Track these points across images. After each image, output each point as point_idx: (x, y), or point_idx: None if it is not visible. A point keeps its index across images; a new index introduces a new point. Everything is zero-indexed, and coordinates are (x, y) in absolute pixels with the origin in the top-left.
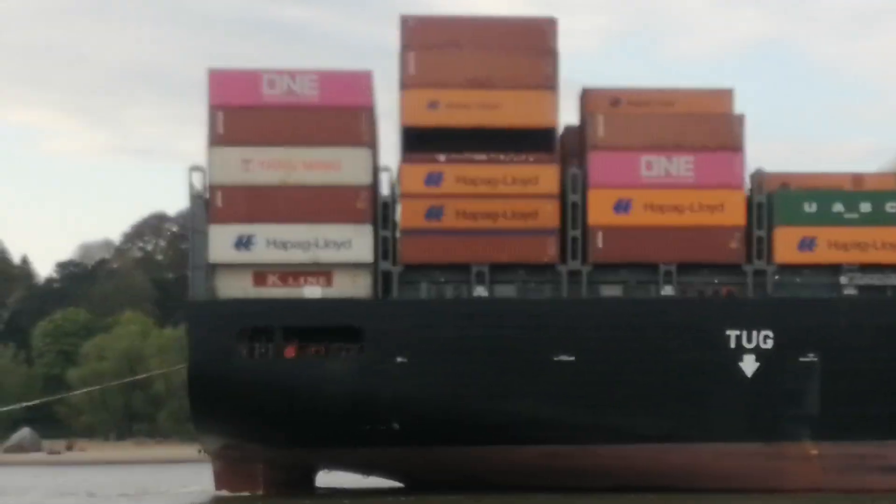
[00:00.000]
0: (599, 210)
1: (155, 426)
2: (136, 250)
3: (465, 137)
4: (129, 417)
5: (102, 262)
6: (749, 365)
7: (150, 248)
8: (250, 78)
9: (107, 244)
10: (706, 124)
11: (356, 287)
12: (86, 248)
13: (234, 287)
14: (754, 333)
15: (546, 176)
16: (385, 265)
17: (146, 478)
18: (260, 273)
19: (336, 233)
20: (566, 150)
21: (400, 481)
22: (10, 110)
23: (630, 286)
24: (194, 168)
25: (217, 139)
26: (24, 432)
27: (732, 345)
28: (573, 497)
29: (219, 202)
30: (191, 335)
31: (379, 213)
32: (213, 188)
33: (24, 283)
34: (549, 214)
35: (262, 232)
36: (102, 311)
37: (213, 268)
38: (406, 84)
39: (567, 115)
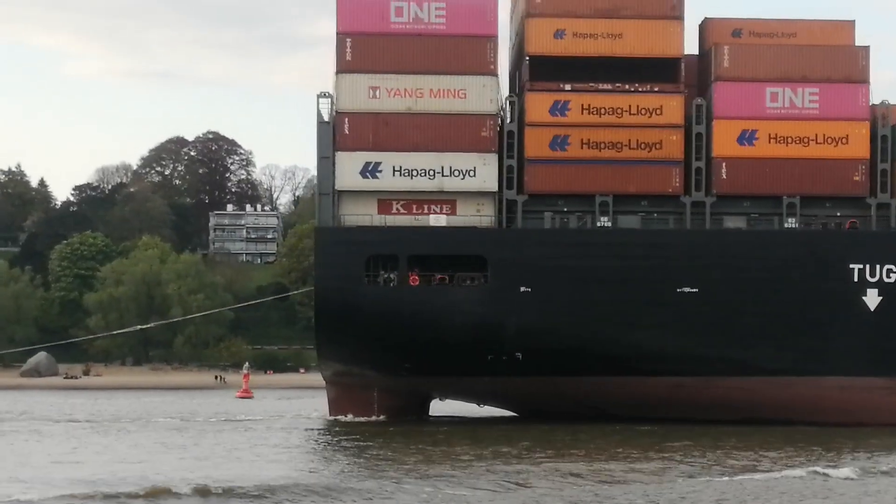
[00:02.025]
0: (724, 141)
1: (171, 352)
2: (154, 174)
3: (590, 67)
4: (146, 343)
5: (120, 185)
6: (872, 298)
7: (168, 172)
8: (378, 5)
9: (125, 168)
10: (831, 56)
11: (480, 216)
12: (104, 172)
13: (359, 214)
14: (877, 267)
15: (671, 106)
16: (510, 194)
17: (190, 403)
18: (385, 201)
19: (461, 161)
20: (688, 80)
21: (514, 411)
22: (31, 33)
23: (753, 218)
24: (322, 94)
25: (344, 66)
26: (40, 356)
27: (855, 278)
28: (692, 428)
29: (346, 129)
30: (317, 261)
31: (504, 142)
32: (339, 115)
33: (41, 207)
34: (673, 145)
35: (389, 159)
36: (120, 236)
37: (339, 195)
38: (531, 13)
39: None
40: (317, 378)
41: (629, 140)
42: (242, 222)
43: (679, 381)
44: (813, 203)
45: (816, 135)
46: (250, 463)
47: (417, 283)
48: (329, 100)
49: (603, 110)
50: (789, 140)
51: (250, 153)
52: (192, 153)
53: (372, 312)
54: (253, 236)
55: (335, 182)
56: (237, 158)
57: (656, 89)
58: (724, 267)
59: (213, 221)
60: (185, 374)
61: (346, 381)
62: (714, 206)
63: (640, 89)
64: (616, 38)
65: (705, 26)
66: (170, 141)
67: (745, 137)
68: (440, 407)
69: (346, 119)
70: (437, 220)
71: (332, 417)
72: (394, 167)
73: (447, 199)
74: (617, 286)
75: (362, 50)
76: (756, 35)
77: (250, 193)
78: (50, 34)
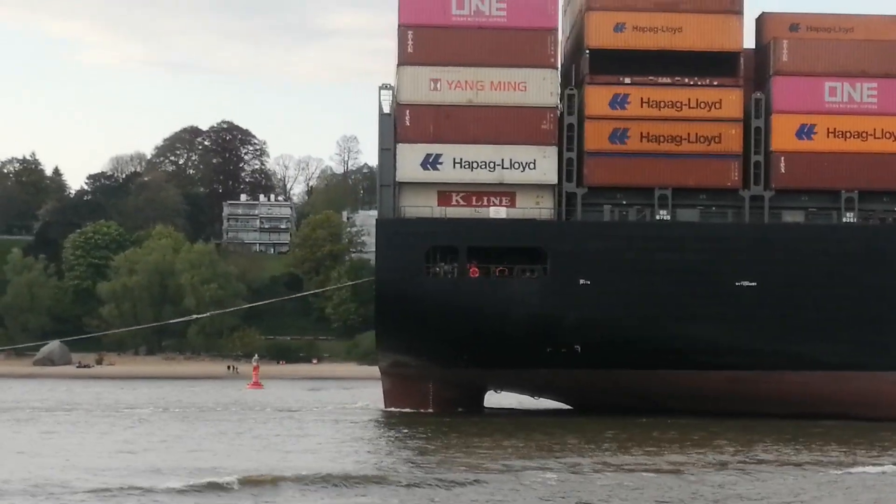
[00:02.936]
0: (782, 135)
1: (184, 342)
2: (168, 164)
3: (649, 60)
4: (159, 332)
5: (134, 175)
6: None
7: (182, 161)
8: None
9: (139, 157)
10: (889, 51)
11: (539, 208)
12: (118, 161)
13: (419, 206)
14: None
15: (730, 100)
16: (569, 187)
17: (216, 393)
18: (445, 192)
19: (521, 153)
20: (745, 74)
21: (568, 403)
22: (47, 22)
23: (811, 212)
24: (383, 86)
25: (406, 58)
26: (53, 345)
27: None
28: (747, 422)
29: (407, 121)
30: (378, 253)
31: (564, 135)
32: (401, 107)
33: (55, 195)
34: (732, 139)
35: (449, 151)
36: (133, 225)
37: (400, 186)
38: (592, 6)
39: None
40: (330, 368)
41: (688, 134)
42: (256, 212)
43: (736, 374)
44: (871, 198)
45: (875, 129)
46: (337, 454)
47: (477, 274)
48: (390, 91)
49: (662, 104)
50: (847, 135)
51: (264, 143)
52: (207, 143)
53: (431, 304)
54: (266, 226)
55: (396, 174)
56: (251, 148)
57: (715, 83)
58: (782, 261)
59: (226, 211)
60: (198, 364)
61: (401, 372)
62: (772, 201)
63: (699, 83)
64: (675, 32)
65: (762, 20)
66: (184, 130)
67: (804, 132)
68: (494, 400)
69: (408, 111)
70: (498, 212)
71: (386, 409)
72: (454, 159)
73: (507, 192)
74: (675, 279)
75: (424, 42)
76: (813, 30)
77: (264, 183)
78: (66, 22)
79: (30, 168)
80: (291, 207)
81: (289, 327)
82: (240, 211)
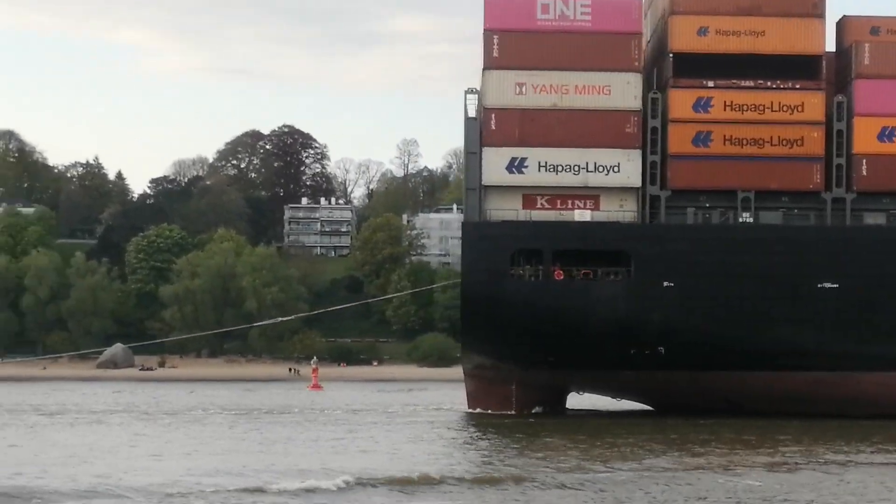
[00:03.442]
0: (864, 138)
1: (246, 344)
2: (230, 168)
3: (732, 64)
4: (221, 335)
5: (196, 178)
6: None
7: (243, 165)
8: (525, 2)
9: (201, 161)
10: None
11: (623, 211)
12: (180, 165)
13: (505, 209)
14: None
15: (812, 103)
16: (653, 189)
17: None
18: (530, 196)
19: (606, 157)
20: (827, 77)
21: (649, 405)
22: (111, 29)
23: (893, 214)
24: (469, 91)
25: (491, 62)
26: (116, 348)
27: None
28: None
29: (492, 125)
30: (464, 255)
31: (647, 138)
32: (486, 111)
33: (118, 199)
34: (814, 141)
35: (534, 155)
36: (195, 228)
37: (485, 189)
38: (676, 10)
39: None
40: (390, 370)
41: (770, 137)
42: (317, 215)
43: (818, 376)
44: None
45: None
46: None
47: (561, 277)
48: (475, 96)
49: (745, 107)
50: None
51: (325, 147)
52: (268, 146)
53: (516, 306)
54: (327, 229)
55: (482, 177)
56: (312, 152)
57: (797, 86)
58: (865, 263)
59: (287, 214)
60: (260, 367)
61: (485, 374)
62: (854, 203)
63: (781, 86)
64: (758, 36)
65: (843, 24)
66: (246, 134)
67: (886, 134)
68: (576, 401)
69: (493, 115)
70: (582, 215)
71: (470, 410)
72: (539, 162)
73: (591, 195)
74: (758, 281)
75: (509, 47)
76: (893, 33)
77: (325, 187)
78: (130, 30)
79: (93, 172)
80: (352, 210)
81: (349, 330)
82: (301, 214)
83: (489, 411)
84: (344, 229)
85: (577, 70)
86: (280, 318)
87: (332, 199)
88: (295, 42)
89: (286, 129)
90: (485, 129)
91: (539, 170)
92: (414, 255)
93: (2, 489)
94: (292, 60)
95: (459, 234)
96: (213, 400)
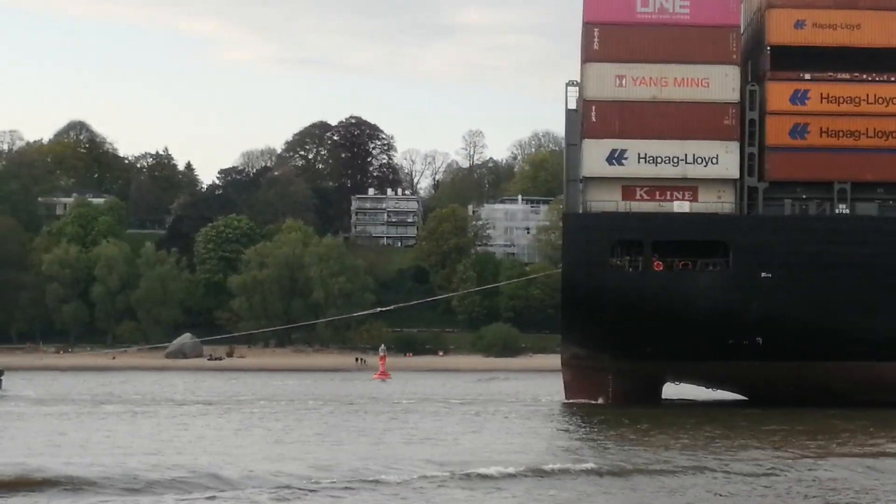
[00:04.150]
0: None
1: (313, 334)
2: (297, 158)
3: (828, 56)
4: (289, 325)
5: (264, 169)
6: None
7: (311, 156)
8: None
9: (269, 152)
10: None
11: (721, 202)
12: (248, 156)
13: (604, 200)
14: None
15: None
16: (750, 181)
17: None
18: (629, 187)
19: (704, 148)
20: None
21: (745, 395)
22: (181, 21)
23: None
24: (570, 83)
25: (592, 55)
26: (185, 338)
27: None
28: None
29: (593, 117)
30: (565, 246)
31: (745, 130)
32: (587, 103)
33: (187, 190)
34: None
35: (634, 147)
36: (264, 219)
37: (586, 181)
38: (773, 3)
39: None
40: (455, 360)
41: (867, 129)
42: (383, 206)
43: None
44: None
45: None
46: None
47: (661, 268)
48: (576, 88)
49: (841, 99)
50: None
51: (392, 138)
52: (335, 138)
53: (616, 297)
54: (394, 220)
55: (582, 169)
56: (379, 143)
57: (893, 79)
58: None
59: (354, 205)
60: (327, 357)
61: (581, 364)
62: None
63: (877, 79)
64: (854, 29)
65: None
66: (313, 125)
67: None
68: (671, 391)
69: (593, 107)
70: (681, 206)
71: (567, 400)
72: (639, 154)
73: (689, 186)
74: (855, 272)
75: (609, 39)
76: None
77: (391, 177)
78: (200, 21)
79: (162, 163)
80: (418, 201)
81: (415, 320)
82: (368, 205)
83: (585, 401)
84: (410, 220)
85: (676, 63)
86: (356, 314)
87: (399, 190)
88: (363, 33)
89: (353, 121)
90: (585, 121)
91: (638, 161)
92: (479, 246)
93: (138, 478)
94: (360, 52)
95: (523, 224)
96: (309, 389)
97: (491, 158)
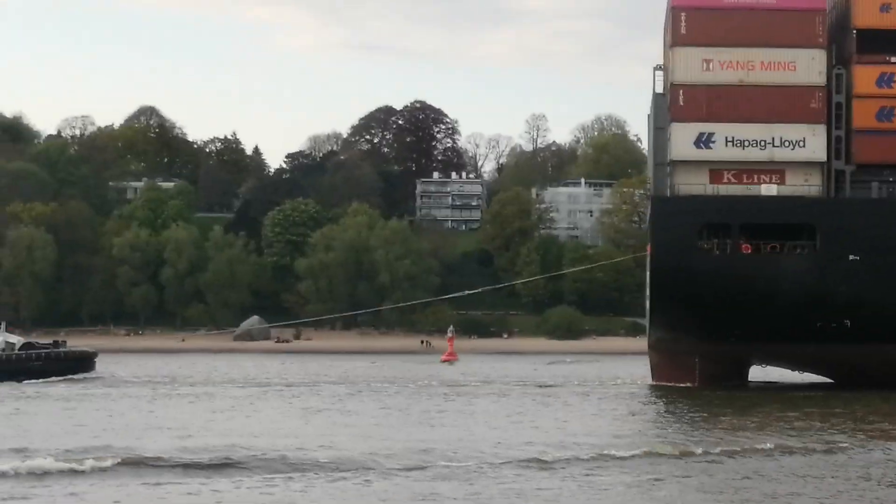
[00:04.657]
0: None
1: (379, 317)
2: (363, 143)
3: None
4: (354, 307)
5: (331, 153)
6: None
7: (376, 140)
8: None
9: (335, 136)
10: None
11: (808, 185)
12: (315, 140)
13: (692, 183)
14: None
15: None
16: (838, 164)
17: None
18: (716, 170)
19: (791, 132)
20: None
21: (830, 377)
22: (247, 7)
23: None
24: (657, 67)
25: (679, 39)
26: (253, 320)
27: None
28: None
29: (680, 101)
30: (654, 228)
31: (832, 113)
32: (674, 87)
33: (255, 174)
34: None
35: (721, 130)
36: (330, 202)
37: (673, 164)
38: None
39: None
40: (520, 343)
41: None
42: (448, 189)
43: None
44: None
45: None
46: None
47: (749, 251)
48: (663, 72)
49: None
50: None
51: (456, 122)
52: (400, 122)
53: (704, 279)
54: (458, 203)
55: (670, 152)
56: (443, 127)
57: None
58: None
59: (419, 188)
60: (392, 339)
61: (668, 347)
62: None
63: None
64: None
65: None
66: (378, 110)
67: None
68: (757, 374)
69: (681, 91)
70: (769, 189)
71: (654, 383)
72: (726, 138)
73: (776, 169)
74: None
75: (696, 24)
76: None
77: (455, 161)
78: (268, 7)
79: (231, 147)
80: (482, 184)
81: (480, 303)
82: (432, 188)
83: (672, 384)
84: (474, 203)
85: (763, 47)
86: (423, 300)
87: (463, 174)
88: (427, 18)
89: (418, 105)
90: (673, 105)
91: (726, 145)
92: (542, 229)
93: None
94: (424, 36)
95: (586, 207)
96: (391, 372)
97: (554, 142)
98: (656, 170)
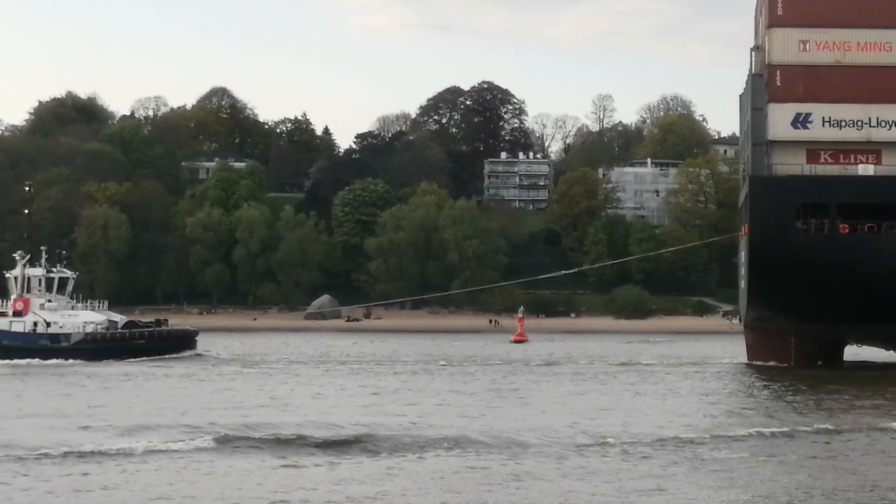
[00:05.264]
0: None
1: (447, 296)
2: (431, 123)
3: None
4: (424, 287)
5: (399, 134)
6: None
7: (444, 121)
8: None
9: (404, 117)
10: None
11: None
12: (384, 121)
13: (789, 164)
14: None
15: None
16: None
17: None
18: (813, 150)
19: (888, 112)
20: None
21: None
22: None
23: None
24: (755, 48)
25: (776, 20)
26: (324, 299)
27: None
28: None
29: (777, 81)
30: (752, 209)
31: None
32: (771, 68)
33: (325, 154)
34: None
35: (818, 111)
36: (399, 182)
37: (770, 144)
38: None
39: None
40: (587, 322)
41: None
42: (515, 169)
43: None
44: None
45: None
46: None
47: (846, 231)
48: (761, 53)
49: None
50: None
51: (523, 102)
52: (468, 102)
53: (802, 259)
54: (525, 183)
55: (767, 132)
56: (510, 107)
57: None
58: None
59: (487, 168)
60: (461, 318)
61: (765, 326)
62: None
63: None
64: None
65: None
66: (446, 90)
67: None
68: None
69: (778, 72)
70: (866, 169)
71: (750, 362)
72: (823, 118)
73: (873, 150)
74: None
75: (793, 5)
76: None
77: (523, 141)
78: None
79: (301, 128)
80: (549, 164)
81: (547, 282)
82: (500, 168)
83: (768, 363)
84: (541, 183)
85: (860, 27)
86: (494, 285)
87: (530, 154)
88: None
89: (485, 85)
90: (770, 85)
91: (823, 125)
92: (609, 209)
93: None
94: (491, 18)
95: (653, 187)
96: (475, 351)
97: (620, 122)
98: (754, 150)
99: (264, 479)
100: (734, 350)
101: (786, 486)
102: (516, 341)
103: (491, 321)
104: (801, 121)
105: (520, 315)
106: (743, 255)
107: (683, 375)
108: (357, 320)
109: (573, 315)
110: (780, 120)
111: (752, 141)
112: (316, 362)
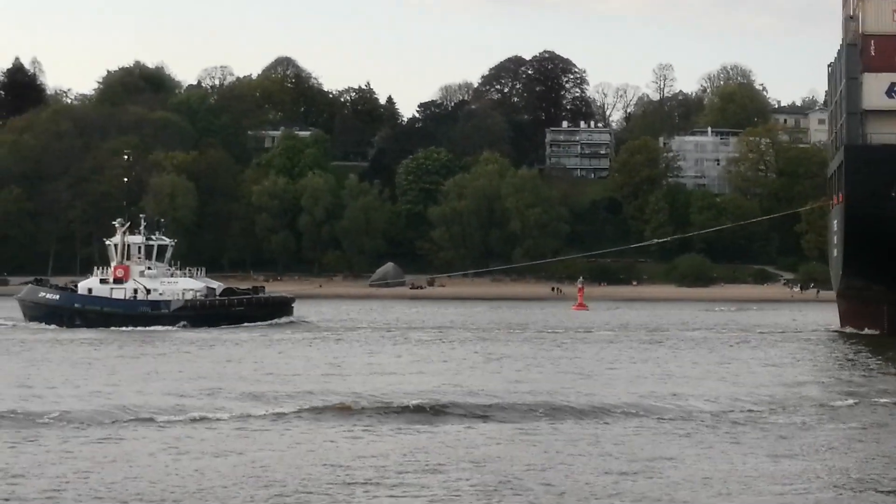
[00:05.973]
0: None
1: (510, 264)
2: (493, 92)
3: None
4: (487, 255)
5: (462, 103)
6: None
7: (506, 90)
8: None
9: (466, 86)
10: None
11: None
12: (447, 90)
13: (883, 133)
14: None
15: None
16: None
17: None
18: None
19: None
20: None
21: None
22: None
23: None
24: (849, 18)
25: None
26: (388, 267)
27: None
28: None
29: (872, 51)
30: (847, 178)
31: None
32: (865, 37)
33: (389, 123)
34: None
35: None
36: (461, 151)
37: (865, 114)
38: None
39: None
40: (649, 290)
41: None
42: (577, 138)
43: None
44: None
45: None
46: None
47: None
48: (855, 22)
49: None
50: None
51: (584, 72)
52: (530, 72)
53: (895, 228)
54: (587, 152)
55: (862, 102)
56: (571, 77)
57: None
58: None
59: (548, 137)
60: (523, 286)
61: (858, 295)
62: None
63: None
64: None
65: None
66: (508, 60)
67: None
68: None
69: (872, 41)
70: None
71: (842, 329)
72: None
73: None
74: None
75: None
76: None
77: (584, 110)
78: None
79: (365, 97)
80: (610, 133)
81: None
82: (561, 137)
83: (860, 331)
84: (602, 152)
85: None
86: (556, 258)
87: (591, 123)
88: None
89: (546, 55)
90: (864, 55)
91: None
92: (670, 178)
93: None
94: None
95: (713, 156)
96: (548, 320)
97: (680, 91)
98: (848, 119)
99: (428, 442)
100: (820, 318)
101: None
102: (578, 310)
103: (553, 289)
104: (895, 90)
105: (580, 285)
106: (835, 224)
107: (772, 343)
108: (421, 287)
109: (634, 283)
110: (874, 89)
111: (847, 110)
112: (405, 329)
